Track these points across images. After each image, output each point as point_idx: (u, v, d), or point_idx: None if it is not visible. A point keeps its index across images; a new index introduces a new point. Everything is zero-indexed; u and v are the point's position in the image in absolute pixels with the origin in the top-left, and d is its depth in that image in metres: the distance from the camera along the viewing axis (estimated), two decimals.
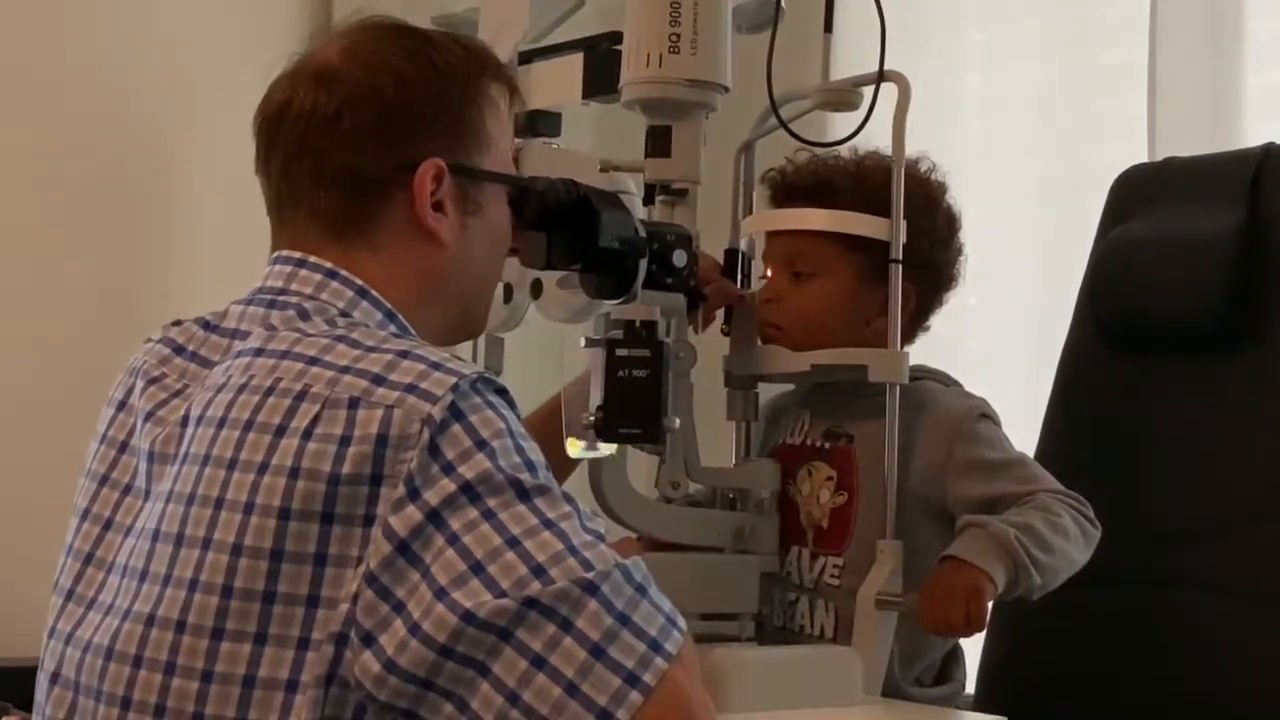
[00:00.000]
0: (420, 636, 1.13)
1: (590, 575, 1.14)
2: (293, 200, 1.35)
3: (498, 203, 1.41)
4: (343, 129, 1.32)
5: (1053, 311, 2.20)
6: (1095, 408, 2.03)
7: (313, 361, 1.22)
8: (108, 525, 1.29)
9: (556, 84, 2.14)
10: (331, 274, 1.32)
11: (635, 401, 1.55)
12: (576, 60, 2.13)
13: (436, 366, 1.20)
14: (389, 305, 1.33)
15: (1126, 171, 2.10)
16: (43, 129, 2.86)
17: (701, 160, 1.69)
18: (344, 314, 1.30)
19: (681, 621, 1.18)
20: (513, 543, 1.15)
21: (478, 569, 1.14)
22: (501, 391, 1.22)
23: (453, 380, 1.19)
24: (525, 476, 1.18)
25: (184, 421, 1.26)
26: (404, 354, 1.22)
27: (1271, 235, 1.90)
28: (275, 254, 1.35)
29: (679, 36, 1.63)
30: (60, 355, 2.82)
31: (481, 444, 1.17)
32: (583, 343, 1.64)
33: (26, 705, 1.42)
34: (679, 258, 1.59)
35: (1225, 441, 1.88)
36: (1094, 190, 2.15)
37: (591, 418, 1.56)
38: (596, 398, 1.57)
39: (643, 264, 1.55)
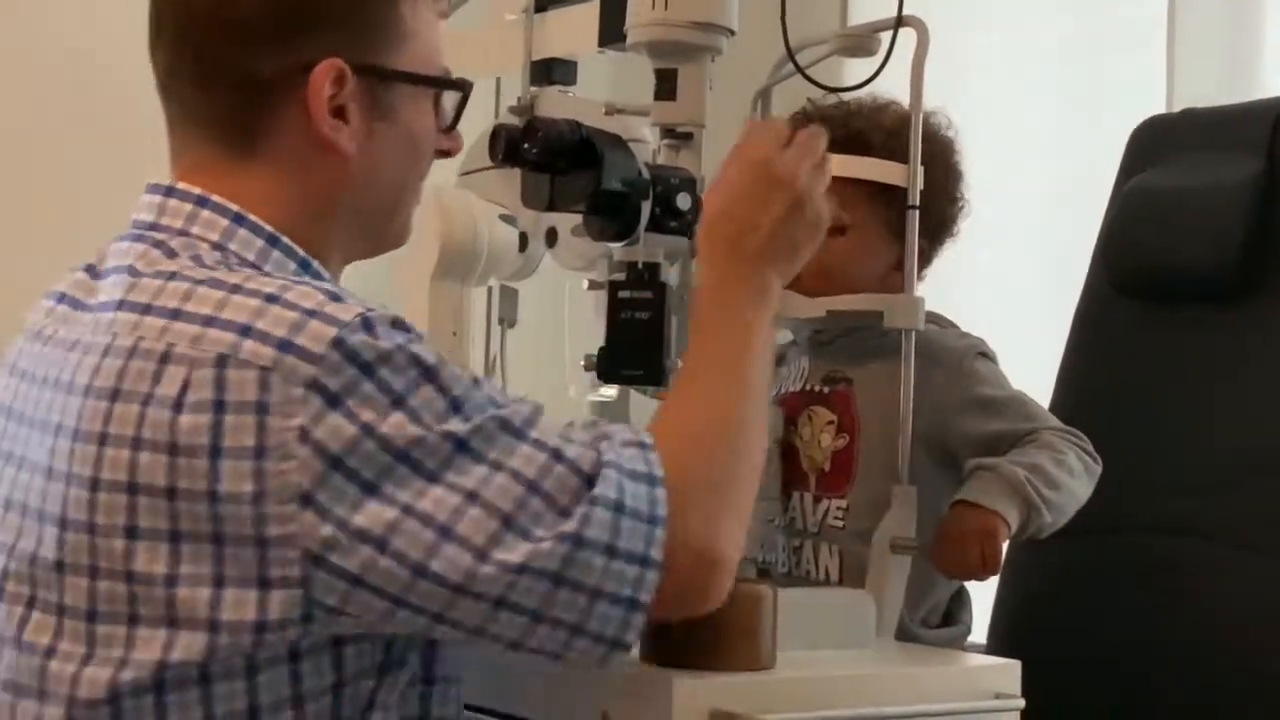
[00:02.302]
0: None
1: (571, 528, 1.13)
2: (178, 100, 1.23)
3: (415, 104, 1.27)
4: (227, 18, 1.18)
5: (1068, 262, 2.19)
6: (1110, 358, 2.03)
7: (175, 315, 1.12)
8: (7, 505, 1.21)
9: (572, 32, 2.12)
10: (201, 201, 1.20)
11: (637, 343, 1.54)
12: (593, 8, 2.12)
13: (312, 314, 1.10)
14: (270, 229, 1.20)
15: (1145, 122, 2.09)
16: (36, 111, 2.83)
17: (708, 103, 1.67)
18: (217, 246, 1.19)
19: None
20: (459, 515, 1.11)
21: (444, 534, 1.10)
22: (397, 323, 1.13)
23: (332, 331, 1.10)
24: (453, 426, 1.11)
25: (55, 384, 1.17)
26: (273, 298, 1.11)
27: None
28: (148, 183, 1.25)
29: None
30: None
31: (399, 401, 1.10)
32: (585, 285, 1.63)
33: None
34: (683, 201, 1.56)
35: (1241, 392, 1.88)
36: (1111, 142, 2.14)
37: (594, 358, 1.55)
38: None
39: (646, 206, 1.53)
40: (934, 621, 1.76)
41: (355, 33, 1.21)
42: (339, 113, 1.22)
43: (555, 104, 2.12)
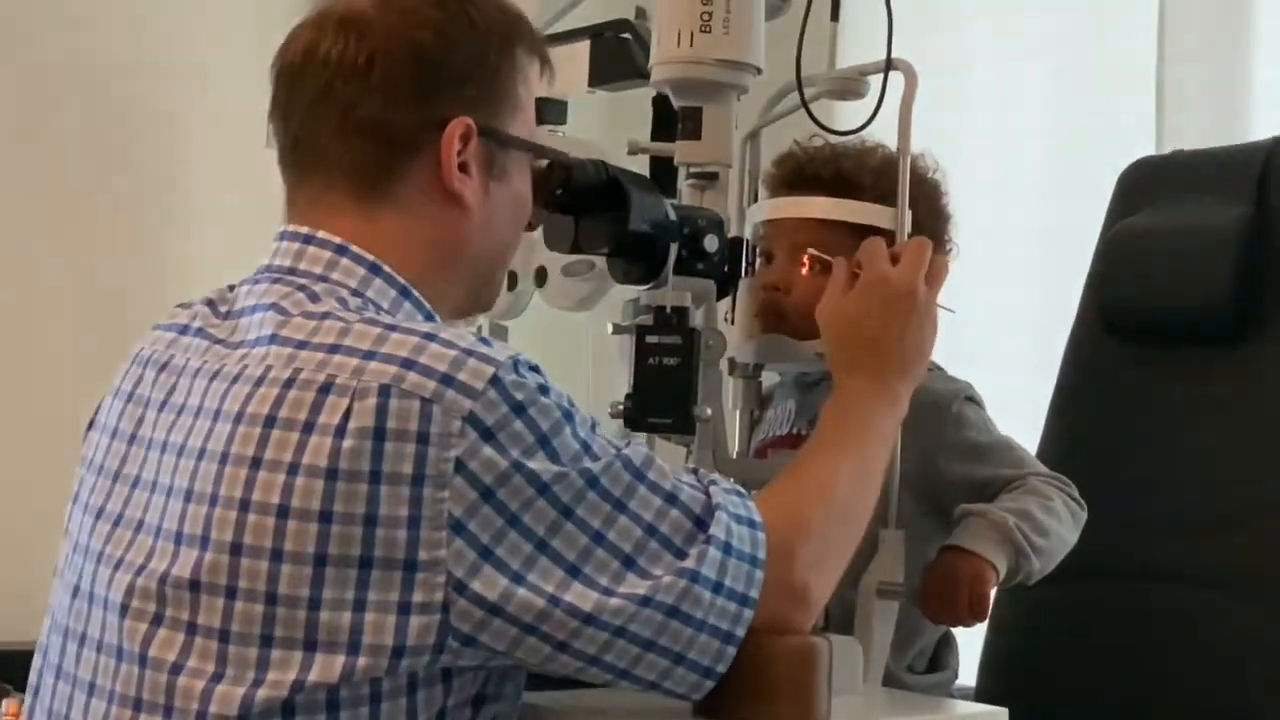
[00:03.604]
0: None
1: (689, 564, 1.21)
2: (312, 151, 1.31)
3: (521, 171, 1.37)
4: (372, 79, 1.28)
5: (1057, 303, 2.19)
6: (1099, 400, 2.03)
7: (333, 349, 1.18)
8: (115, 521, 1.26)
9: (563, 72, 2.12)
10: (341, 250, 1.28)
11: (666, 390, 1.50)
12: (583, 48, 2.12)
13: (469, 353, 1.17)
14: (403, 281, 1.29)
15: (1134, 164, 2.10)
16: (36, 116, 2.84)
17: (734, 143, 1.65)
18: (356, 293, 1.26)
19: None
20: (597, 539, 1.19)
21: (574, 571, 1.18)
22: (535, 368, 1.22)
23: (490, 370, 1.17)
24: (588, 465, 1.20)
25: (196, 412, 1.23)
26: (430, 336, 1.19)
27: (1278, 228, 1.90)
28: (281, 230, 1.32)
29: (711, 15, 1.58)
30: (60, 342, 2.81)
31: (544, 440, 1.18)
32: (609, 329, 1.58)
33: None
34: (711, 243, 1.54)
35: (1230, 435, 1.88)
36: (1101, 183, 2.14)
37: (621, 406, 1.52)
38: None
39: (674, 248, 1.50)
40: (920, 667, 1.75)
41: (482, 98, 1.32)
42: (464, 169, 1.31)
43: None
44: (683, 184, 1.64)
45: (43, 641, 1.32)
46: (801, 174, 1.79)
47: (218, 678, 1.15)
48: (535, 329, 2.17)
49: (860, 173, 1.74)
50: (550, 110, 2.17)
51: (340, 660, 1.14)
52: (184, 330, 1.31)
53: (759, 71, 1.63)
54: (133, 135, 2.93)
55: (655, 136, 1.76)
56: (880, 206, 1.66)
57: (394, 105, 1.28)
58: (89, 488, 1.30)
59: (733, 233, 1.81)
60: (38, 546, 1.38)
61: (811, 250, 1.67)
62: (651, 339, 1.52)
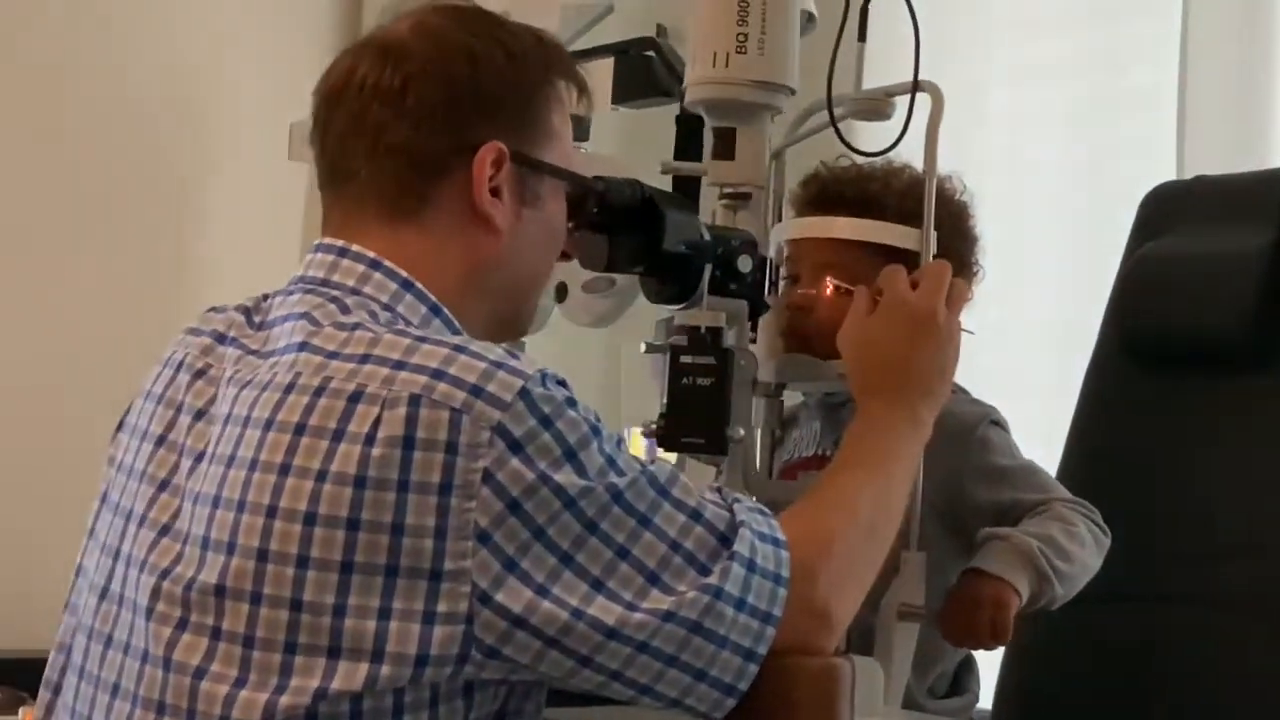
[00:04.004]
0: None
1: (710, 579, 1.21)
2: (346, 174, 1.33)
3: (556, 199, 1.38)
4: (406, 104, 1.30)
5: (1078, 327, 2.19)
6: (1119, 424, 2.03)
7: (364, 359, 1.20)
8: (141, 522, 1.27)
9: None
10: (374, 265, 1.30)
11: (699, 410, 1.50)
12: (606, 65, 2.13)
13: (499, 365, 1.18)
14: (433, 299, 1.30)
15: (1156, 189, 2.10)
16: (60, 122, 2.85)
17: (767, 163, 1.65)
18: (387, 308, 1.28)
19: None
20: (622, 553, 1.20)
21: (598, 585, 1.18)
22: (563, 382, 1.22)
23: (519, 383, 1.18)
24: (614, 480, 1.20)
25: (225, 419, 1.24)
26: (459, 348, 1.20)
27: None
28: (316, 242, 1.33)
29: (746, 36, 1.58)
30: (73, 347, 2.82)
31: (571, 454, 1.18)
32: (642, 348, 1.58)
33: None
34: (744, 263, 1.53)
35: (1251, 460, 1.88)
36: (1121, 208, 2.14)
37: (653, 425, 1.52)
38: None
39: (708, 269, 1.50)
40: (941, 690, 1.75)
41: (514, 125, 1.34)
42: (495, 193, 1.33)
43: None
44: (715, 204, 1.64)
45: (64, 641, 1.33)
46: (827, 194, 1.78)
47: (241, 683, 1.16)
48: (551, 344, 2.17)
49: (886, 194, 1.74)
50: (573, 127, 2.17)
51: (363, 668, 1.15)
52: (221, 339, 1.32)
53: (793, 92, 1.63)
54: (153, 136, 2.94)
55: (679, 155, 1.76)
56: (905, 227, 1.66)
57: (426, 130, 1.30)
58: (118, 489, 1.32)
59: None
60: (62, 554, 1.38)
61: (832, 279, 1.67)
62: (686, 359, 1.51)
